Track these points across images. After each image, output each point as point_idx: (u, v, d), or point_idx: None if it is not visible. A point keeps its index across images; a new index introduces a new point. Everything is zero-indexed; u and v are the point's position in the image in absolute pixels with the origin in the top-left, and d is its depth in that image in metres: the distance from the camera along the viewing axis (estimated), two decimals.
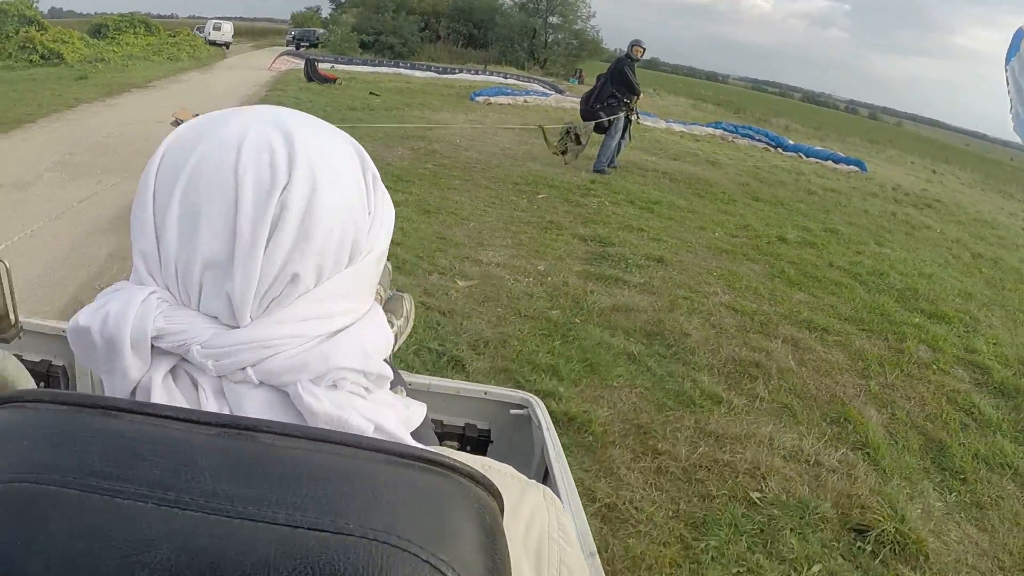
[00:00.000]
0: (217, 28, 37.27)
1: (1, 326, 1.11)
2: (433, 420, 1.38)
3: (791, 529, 2.51)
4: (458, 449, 1.20)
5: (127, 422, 0.37)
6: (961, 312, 5.16)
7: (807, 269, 5.73)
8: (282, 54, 24.65)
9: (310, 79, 16.62)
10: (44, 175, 6.27)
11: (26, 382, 0.79)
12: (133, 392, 0.45)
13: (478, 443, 1.46)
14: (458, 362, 3.38)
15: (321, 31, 40.16)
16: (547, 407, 1.45)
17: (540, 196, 7.13)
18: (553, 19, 30.53)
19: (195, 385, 0.45)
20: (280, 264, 0.44)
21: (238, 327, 0.44)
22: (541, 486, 0.56)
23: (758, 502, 2.64)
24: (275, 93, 14.48)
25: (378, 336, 0.50)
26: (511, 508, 0.49)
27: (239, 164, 0.44)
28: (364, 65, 23.85)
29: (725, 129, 15.86)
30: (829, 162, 13.42)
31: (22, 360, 1.32)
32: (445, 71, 25.25)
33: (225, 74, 20.51)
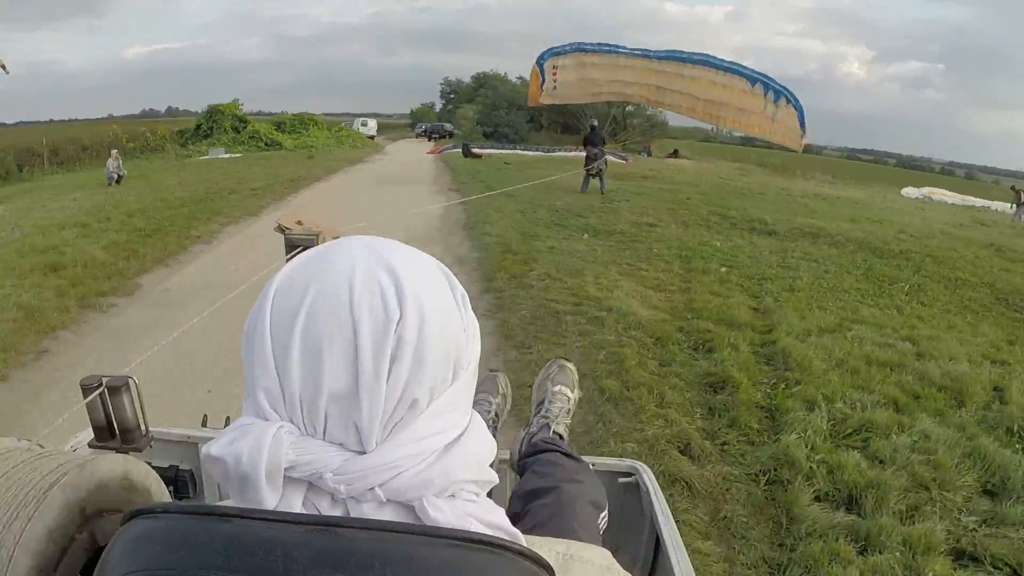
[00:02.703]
0: (364, 124, 47.99)
1: (133, 436, 1.20)
2: None
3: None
4: None
5: (237, 525, 0.44)
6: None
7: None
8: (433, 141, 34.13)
9: (466, 155, 25.32)
10: (369, 191, 14.25)
11: (158, 487, 0.83)
12: None
13: None
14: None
15: (448, 125, 50.39)
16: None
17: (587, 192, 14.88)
18: (629, 108, 39.68)
19: (320, 512, 0.49)
20: (400, 391, 0.48)
21: (364, 452, 0.49)
22: (624, 573, 0.61)
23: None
24: (447, 162, 23.08)
25: (485, 444, 0.55)
26: None
27: (353, 302, 0.48)
28: (492, 148, 32.53)
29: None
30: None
31: (151, 465, 1.51)
32: (549, 150, 33.66)
33: (399, 154, 29.65)
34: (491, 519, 0.51)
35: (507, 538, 0.49)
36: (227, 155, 27.76)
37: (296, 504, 0.48)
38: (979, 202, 24.91)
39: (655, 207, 12.15)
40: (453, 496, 0.51)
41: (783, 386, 3.96)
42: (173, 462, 1.49)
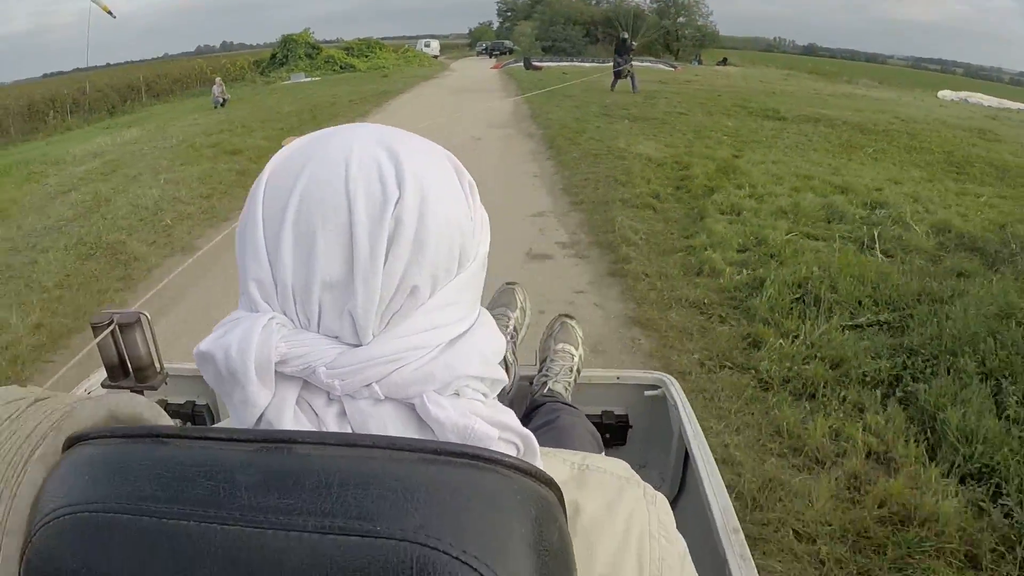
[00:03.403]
0: (427, 45, 50.20)
1: (148, 374, 1.17)
2: None
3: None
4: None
5: (175, 448, 0.40)
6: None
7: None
8: (495, 59, 36.30)
9: (527, 68, 27.57)
10: (449, 98, 17.01)
11: (160, 420, 0.76)
12: (259, 421, 0.45)
13: (617, 429, 1.46)
14: None
15: (508, 42, 52.18)
16: None
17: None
18: (681, 19, 41.22)
19: (315, 412, 0.46)
20: (399, 278, 0.45)
21: (360, 345, 0.45)
22: (642, 483, 0.57)
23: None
24: (511, 75, 25.42)
25: (493, 341, 0.51)
26: (606, 506, 0.53)
27: (349, 182, 0.45)
28: (551, 62, 34.47)
29: None
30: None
31: (167, 403, 1.49)
32: (604, 62, 35.38)
33: (464, 70, 31.96)
34: (500, 419, 0.48)
35: (518, 441, 0.48)
36: (307, 79, 30.33)
37: (290, 402, 0.45)
38: (1017, 105, 25.17)
39: (688, 102, 14.45)
40: (457, 394, 0.47)
41: (728, 176, 6.64)
42: (189, 397, 1.46)
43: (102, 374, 1.26)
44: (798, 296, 3.79)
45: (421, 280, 0.46)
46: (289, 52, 37.42)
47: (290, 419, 0.45)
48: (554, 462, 0.54)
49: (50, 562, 0.39)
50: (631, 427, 1.47)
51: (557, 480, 0.43)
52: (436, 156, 0.51)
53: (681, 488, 1.36)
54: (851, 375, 2.99)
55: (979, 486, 2.32)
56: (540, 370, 1.43)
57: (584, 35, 46.68)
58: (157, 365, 1.18)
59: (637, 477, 0.58)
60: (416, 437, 0.46)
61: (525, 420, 1.24)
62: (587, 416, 1.29)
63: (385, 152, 0.47)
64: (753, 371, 3.10)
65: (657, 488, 0.59)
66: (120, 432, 0.44)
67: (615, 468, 0.57)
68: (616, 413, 1.47)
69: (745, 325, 3.54)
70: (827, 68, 36.82)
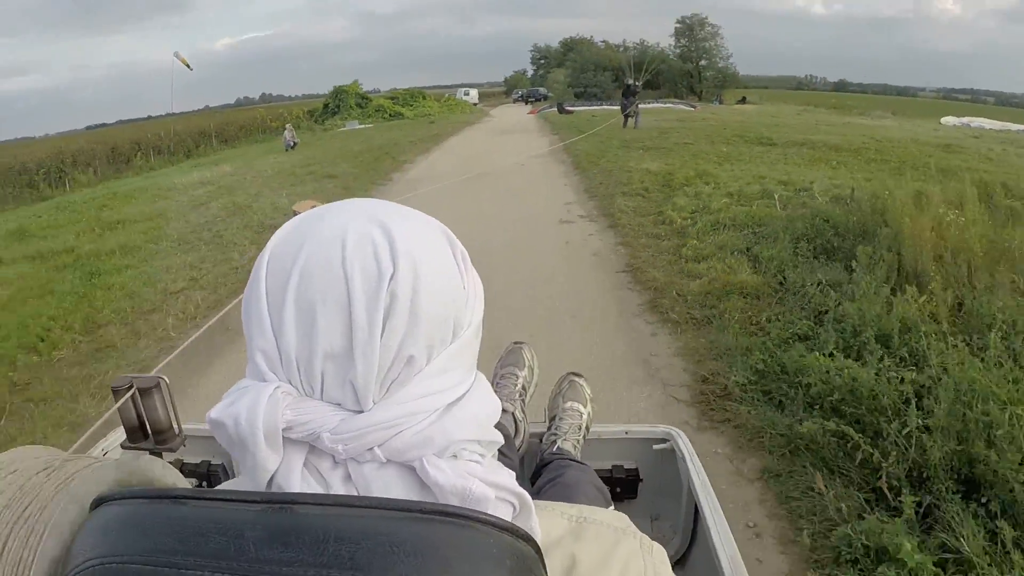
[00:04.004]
0: (466, 93, 53.99)
1: (166, 437, 1.19)
2: None
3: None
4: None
5: (191, 507, 0.45)
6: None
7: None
8: (531, 105, 39.78)
9: (560, 113, 30.68)
10: (495, 137, 20.05)
11: (174, 480, 0.80)
12: (269, 483, 0.49)
13: (628, 483, 1.50)
14: None
15: (542, 89, 55.90)
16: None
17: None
18: (703, 63, 44.56)
19: (322, 475, 0.49)
20: (396, 349, 0.48)
21: (362, 411, 0.48)
22: (639, 535, 0.60)
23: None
24: (546, 118, 28.45)
25: (488, 405, 0.54)
26: (602, 558, 0.56)
27: (345, 260, 0.48)
28: (582, 106, 37.65)
29: None
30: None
31: (183, 462, 1.55)
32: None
33: (503, 116, 35.21)
34: (496, 479, 0.50)
35: (514, 500, 0.51)
36: (361, 126, 33.48)
37: (297, 466, 0.48)
38: (1016, 126, 25.46)
39: (696, 135, 17.05)
40: (455, 456, 0.50)
41: (701, 178, 9.25)
42: (204, 457, 1.51)
43: (120, 435, 1.37)
44: (714, 226, 6.38)
45: (417, 350, 0.49)
46: (340, 102, 41.12)
47: (298, 482, 0.48)
48: (552, 515, 0.57)
49: None
50: (641, 480, 1.49)
51: (554, 533, 0.52)
52: (429, 229, 0.54)
53: (693, 539, 1.37)
54: (727, 250, 5.59)
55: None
56: (549, 428, 1.46)
57: (613, 80, 50.38)
58: (175, 428, 1.20)
59: (634, 528, 0.60)
60: (417, 499, 0.49)
61: (535, 477, 1.32)
62: (597, 471, 1.35)
63: (379, 229, 0.50)
64: (678, 255, 5.75)
65: (668, 540, 0.67)
66: (142, 494, 0.48)
67: (612, 520, 0.60)
68: (626, 467, 1.49)
69: (680, 240, 6.15)
70: (848, 103, 39.02)
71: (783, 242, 5.37)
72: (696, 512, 1.32)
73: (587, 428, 1.47)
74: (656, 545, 0.60)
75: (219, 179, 13.76)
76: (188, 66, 33.85)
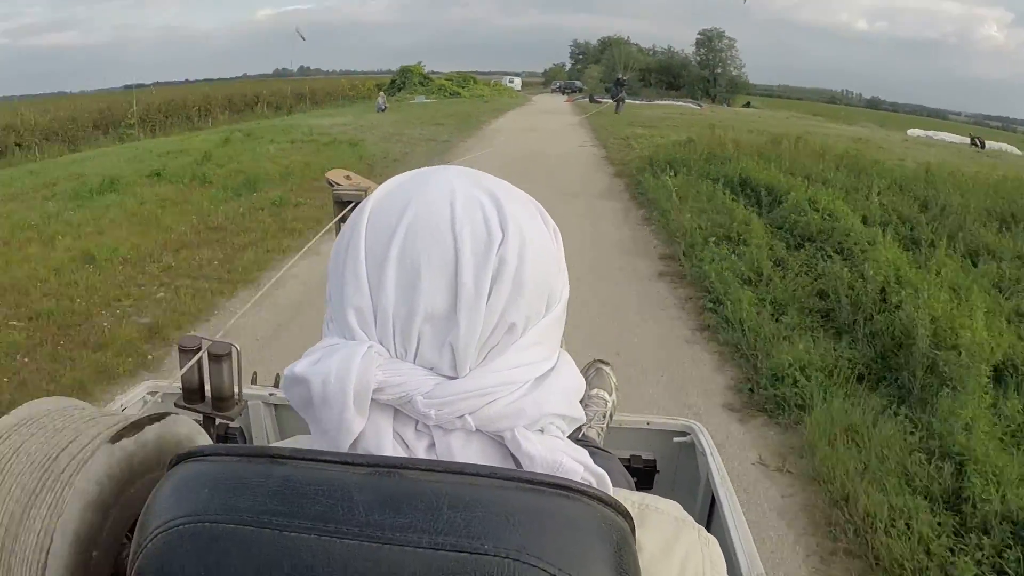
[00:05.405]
0: (511, 81, 61.12)
1: (227, 404, 1.19)
2: None
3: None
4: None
5: (292, 467, 0.43)
6: None
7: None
8: (567, 95, 47.20)
9: (591, 102, 37.89)
10: (539, 115, 27.64)
11: (202, 441, 0.82)
12: (352, 447, 0.47)
13: (644, 474, 1.48)
14: None
15: (578, 83, 63.29)
16: None
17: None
18: (718, 70, 52.11)
19: (404, 442, 0.48)
20: (499, 314, 0.47)
21: (456, 377, 0.48)
22: (696, 526, 0.59)
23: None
24: (578, 105, 35.75)
25: (576, 380, 0.54)
26: (664, 546, 0.54)
27: (455, 222, 0.48)
28: (608, 99, 44.47)
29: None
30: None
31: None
32: (650, 100, 45.55)
33: (542, 102, 42.45)
34: (579, 456, 0.50)
35: (593, 479, 0.49)
36: (426, 100, 38.81)
37: (387, 431, 0.48)
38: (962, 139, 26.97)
39: (680, 123, 23.98)
40: (542, 430, 0.50)
41: (659, 132, 16.63)
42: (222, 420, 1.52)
43: (142, 389, 1.37)
44: (647, 145, 13.72)
45: (518, 318, 0.48)
46: (406, 80, 47.56)
47: (390, 447, 0.47)
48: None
49: (165, 569, 0.42)
50: (658, 472, 1.49)
51: None
52: (527, 202, 0.54)
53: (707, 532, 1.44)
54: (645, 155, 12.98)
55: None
56: None
57: (640, 79, 57.61)
58: (236, 396, 1.18)
59: (691, 519, 0.59)
60: None
61: None
62: None
63: (486, 195, 0.50)
64: (629, 151, 13.23)
65: None
66: (234, 451, 0.46)
67: (671, 509, 0.58)
68: (644, 458, 1.48)
69: (630, 150, 13.61)
70: (841, 114, 44.83)
71: (667, 148, 12.69)
72: (711, 507, 1.33)
73: (611, 416, 1.46)
74: (712, 537, 0.58)
75: (341, 126, 18.37)
76: (303, 37, 41.61)
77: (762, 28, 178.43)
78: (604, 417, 1.43)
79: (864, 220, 6.82)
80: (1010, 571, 2.52)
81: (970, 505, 2.81)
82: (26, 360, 4.03)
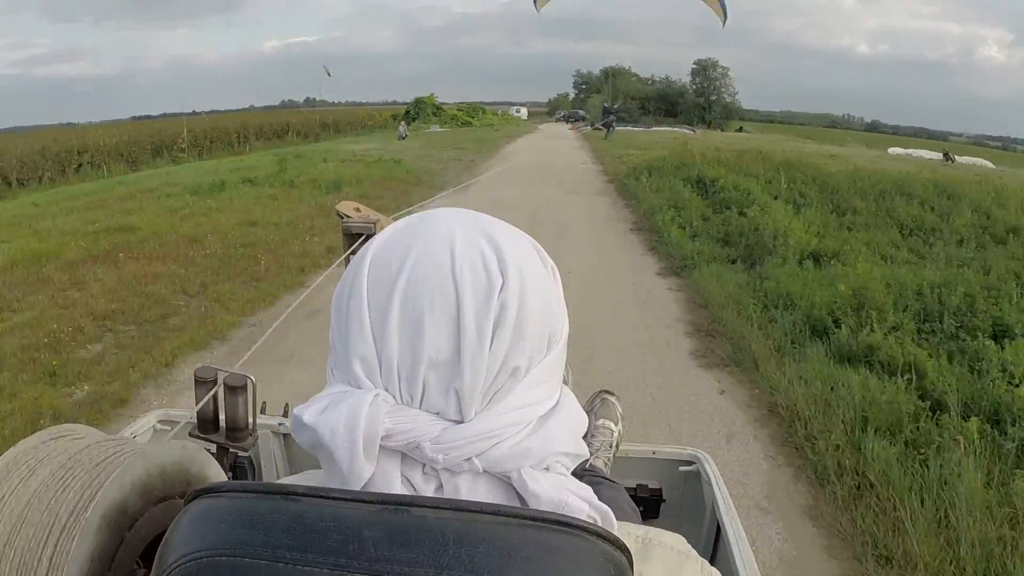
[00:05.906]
0: (518, 111, 64.99)
1: (241, 436, 1.18)
2: None
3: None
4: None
5: (305, 504, 0.44)
6: None
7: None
8: (571, 124, 50.82)
9: (592, 128, 41.32)
10: (546, 140, 30.99)
11: (216, 472, 0.83)
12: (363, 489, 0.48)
13: (651, 503, 1.49)
14: None
15: (581, 112, 67.03)
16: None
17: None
18: (713, 97, 55.97)
19: (412, 485, 0.49)
20: (502, 359, 0.48)
21: (462, 421, 0.48)
22: (700, 560, 0.60)
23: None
24: (584, 134, 39.20)
25: (579, 416, 0.55)
26: None
27: (455, 269, 0.48)
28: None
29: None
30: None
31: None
32: (648, 126, 49.04)
33: (548, 129, 45.98)
34: (584, 494, 0.51)
35: (597, 515, 0.50)
36: (440, 129, 41.44)
37: (394, 475, 0.48)
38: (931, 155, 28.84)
39: (667, 145, 27.25)
40: (547, 469, 0.50)
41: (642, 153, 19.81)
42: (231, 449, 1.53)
43: (152, 418, 1.39)
44: (639, 158, 16.84)
45: (521, 361, 0.49)
46: (420, 110, 50.35)
47: (398, 491, 0.48)
48: (620, 535, 0.53)
49: None
50: (664, 501, 1.49)
51: None
52: (526, 243, 0.54)
53: (712, 562, 1.35)
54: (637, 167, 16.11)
55: None
56: None
57: (640, 108, 61.33)
58: (250, 427, 1.17)
59: (695, 552, 0.60)
60: None
61: None
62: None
63: (485, 239, 0.50)
64: (622, 165, 16.41)
65: None
66: (251, 488, 0.47)
67: (675, 543, 0.59)
68: (650, 487, 1.49)
69: (625, 164, 16.73)
70: (831, 136, 47.76)
71: (650, 161, 15.82)
72: (716, 537, 1.32)
73: (617, 446, 1.47)
74: (715, 571, 0.59)
75: (372, 151, 22.40)
76: (328, 73, 45.39)
77: (764, 53, 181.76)
78: (611, 447, 1.46)
79: (775, 197, 9.99)
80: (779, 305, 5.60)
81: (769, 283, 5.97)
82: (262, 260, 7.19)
